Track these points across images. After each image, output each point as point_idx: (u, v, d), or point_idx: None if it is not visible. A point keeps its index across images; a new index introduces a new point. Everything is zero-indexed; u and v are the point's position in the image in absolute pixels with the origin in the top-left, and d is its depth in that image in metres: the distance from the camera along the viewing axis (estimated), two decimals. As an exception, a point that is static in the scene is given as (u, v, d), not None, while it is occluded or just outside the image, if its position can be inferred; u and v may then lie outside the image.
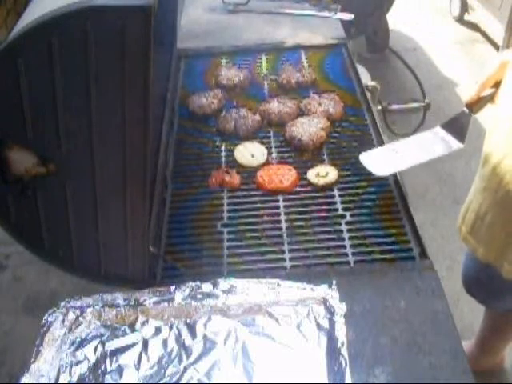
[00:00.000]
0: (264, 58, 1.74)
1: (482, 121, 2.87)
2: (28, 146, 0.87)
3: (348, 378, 0.79)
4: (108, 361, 0.87)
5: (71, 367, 0.86)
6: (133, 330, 0.91)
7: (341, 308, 0.90)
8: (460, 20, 3.99)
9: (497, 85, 1.11)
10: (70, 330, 0.91)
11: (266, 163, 1.33)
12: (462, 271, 1.49)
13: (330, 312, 0.90)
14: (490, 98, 1.13)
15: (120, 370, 0.86)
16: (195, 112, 1.49)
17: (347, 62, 1.70)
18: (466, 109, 1.14)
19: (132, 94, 0.81)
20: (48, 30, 0.76)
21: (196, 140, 1.43)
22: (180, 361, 0.86)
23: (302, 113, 1.46)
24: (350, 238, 1.12)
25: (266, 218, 1.18)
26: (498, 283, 1.26)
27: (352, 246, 1.11)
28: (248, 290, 0.94)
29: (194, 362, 0.86)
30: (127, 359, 0.87)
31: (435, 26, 3.93)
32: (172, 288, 0.95)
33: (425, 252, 1.08)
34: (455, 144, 1.15)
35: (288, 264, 1.08)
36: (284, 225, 1.16)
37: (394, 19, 3.58)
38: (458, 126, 1.15)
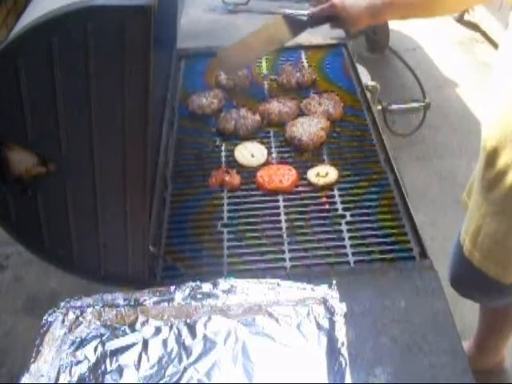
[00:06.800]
0: (264, 58, 1.74)
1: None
2: (28, 146, 0.87)
3: (348, 378, 0.79)
4: (108, 361, 0.87)
5: (71, 367, 0.86)
6: (133, 330, 0.91)
7: (341, 308, 0.90)
8: (460, 20, 3.98)
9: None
10: (70, 330, 0.91)
11: (266, 163, 1.33)
12: (451, 275, 1.46)
13: (330, 312, 0.90)
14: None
15: (120, 370, 0.86)
16: (195, 112, 1.49)
17: (347, 61, 1.70)
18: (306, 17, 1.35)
19: (132, 94, 0.81)
20: (48, 30, 0.76)
21: (196, 140, 1.43)
22: (180, 361, 0.86)
23: (302, 113, 1.46)
24: (350, 238, 1.12)
25: (266, 218, 1.18)
26: (498, 283, 1.26)
27: (352, 246, 1.11)
28: (248, 290, 0.94)
29: (194, 362, 0.86)
30: (127, 359, 0.87)
31: (435, 26, 3.93)
32: (172, 288, 0.95)
33: (425, 252, 1.08)
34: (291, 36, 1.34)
35: (288, 264, 1.08)
36: (284, 225, 1.16)
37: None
38: (295, 24, 1.35)
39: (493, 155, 1.17)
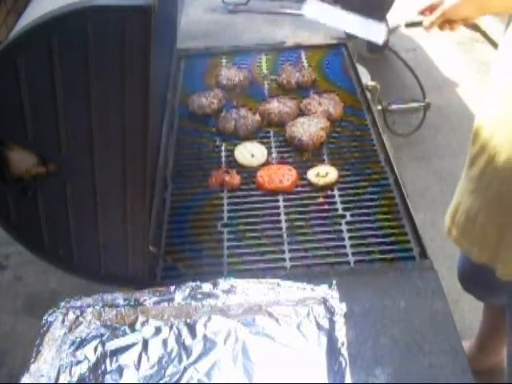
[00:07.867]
0: (264, 58, 1.74)
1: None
2: (28, 146, 0.87)
3: (348, 378, 0.79)
4: (108, 361, 0.87)
5: (71, 367, 0.86)
6: (133, 330, 0.91)
7: (341, 308, 0.90)
8: (460, 20, 3.98)
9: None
10: (70, 330, 0.91)
11: (266, 163, 1.33)
12: (458, 268, 1.49)
13: (330, 312, 0.90)
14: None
15: (120, 370, 0.86)
16: (195, 112, 1.49)
17: (347, 61, 1.70)
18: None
19: (132, 93, 0.81)
20: (48, 30, 0.76)
21: (196, 140, 1.43)
22: (180, 361, 0.86)
23: (302, 113, 1.46)
24: (350, 238, 1.12)
25: (266, 218, 1.18)
26: (494, 280, 1.26)
27: (352, 246, 1.11)
28: (248, 290, 0.94)
29: (194, 362, 0.86)
30: (127, 359, 0.87)
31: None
32: (172, 288, 0.95)
33: (425, 252, 1.08)
34: (377, 37, 1.37)
35: (288, 264, 1.08)
36: (284, 225, 1.16)
37: (394, 19, 3.57)
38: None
39: (476, 133, 1.21)
